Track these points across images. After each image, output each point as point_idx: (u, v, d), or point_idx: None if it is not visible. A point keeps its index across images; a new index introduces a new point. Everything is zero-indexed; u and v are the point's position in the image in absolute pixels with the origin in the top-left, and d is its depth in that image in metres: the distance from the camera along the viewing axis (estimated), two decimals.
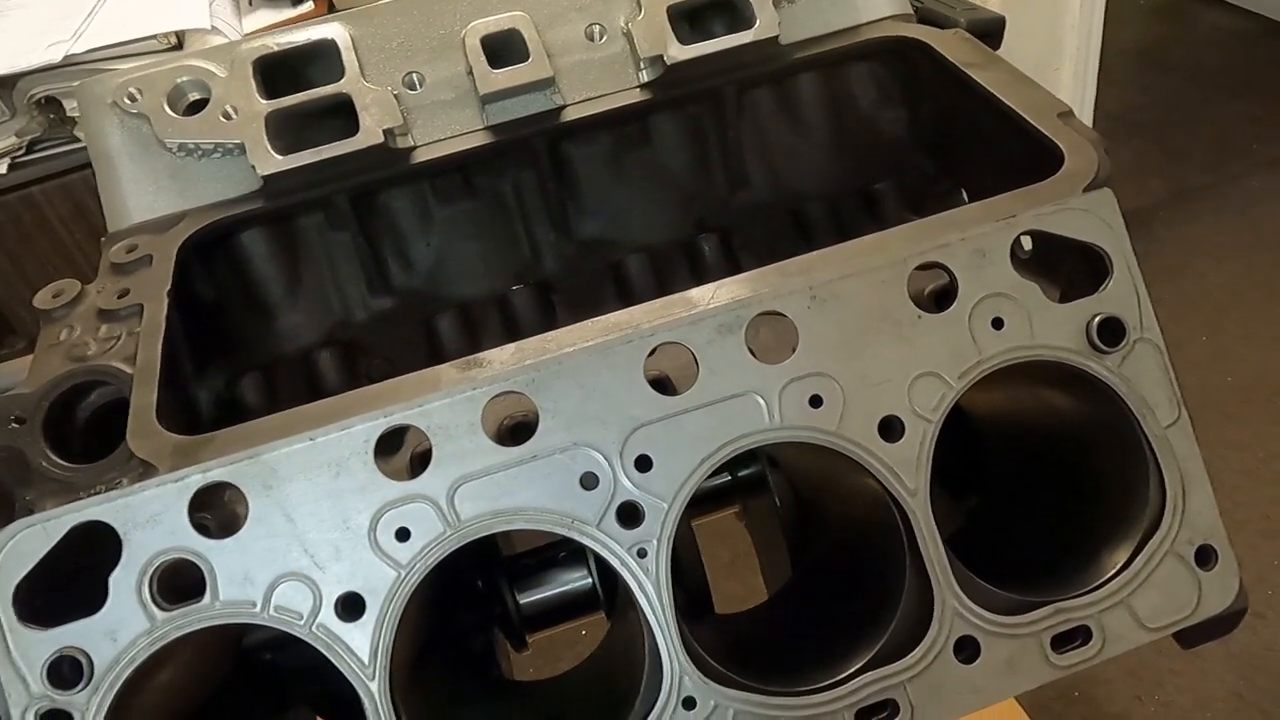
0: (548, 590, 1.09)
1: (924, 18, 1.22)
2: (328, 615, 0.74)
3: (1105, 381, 0.82)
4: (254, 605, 0.74)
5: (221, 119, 1.03)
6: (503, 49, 1.07)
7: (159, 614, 0.73)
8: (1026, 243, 0.88)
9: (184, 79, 1.04)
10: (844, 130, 1.21)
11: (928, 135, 1.18)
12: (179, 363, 1.03)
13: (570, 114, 1.08)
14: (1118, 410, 0.82)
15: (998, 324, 0.81)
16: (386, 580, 0.75)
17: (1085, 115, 3.70)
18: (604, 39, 1.10)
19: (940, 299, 0.83)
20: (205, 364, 1.10)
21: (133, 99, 1.04)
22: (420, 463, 0.77)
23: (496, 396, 0.77)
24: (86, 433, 0.91)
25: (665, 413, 0.78)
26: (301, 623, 0.74)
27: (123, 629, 0.73)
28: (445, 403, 0.76)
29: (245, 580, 0.74)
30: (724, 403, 0.79)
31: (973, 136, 1.07)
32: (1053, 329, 0.82)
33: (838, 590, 0.95)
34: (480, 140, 1.06)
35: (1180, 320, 3.76)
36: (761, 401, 0.79)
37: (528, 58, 1.06)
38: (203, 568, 0.74)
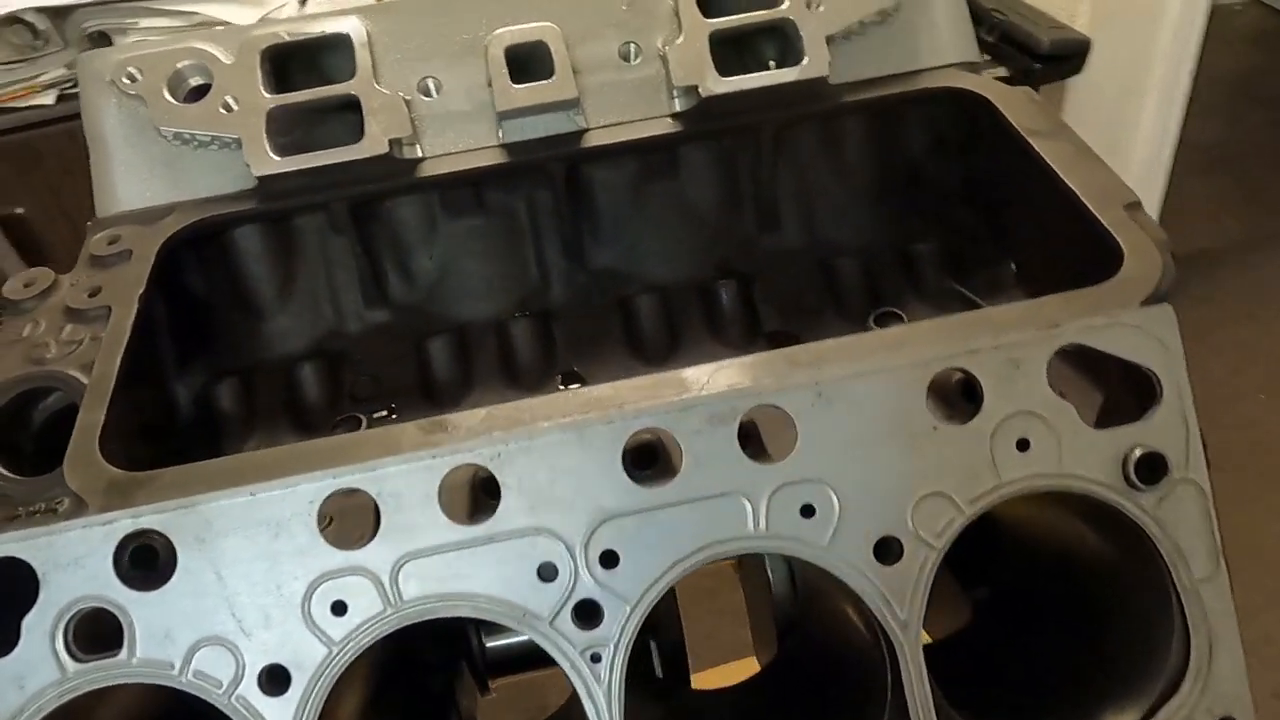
0: (515, 636, 1.03)
1: (1004, 34, 1.12)
2: (249, 687, 0.69)
3: (1138, 522, 0.73)
4: (172, 667, 0.68)
5: (221, 110, 0.96)
6: (527, 62, 0.99)
7: (71, 665, 0.68)
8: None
9: (186, 63, 0.98)
10: (890, 179, 1.12)
11: (981, 195, 1.08)
12: (150, 365, 0.98)
13: (592, 139, 0.99)
14: (1148, 554, 0.74)
15: (1023, 445, 0.73)
16: (316, 657, 0.69)
17: (1168, 147, 3.51)
18: (638, 60, 1.02)
19: (962, 409, 0.75)
20: (188, 360, 1.05)
21: (132, 79, 0.98)
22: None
23: (458, 468, 0.70)
24: (40, 437, 0.86)
25: (640, 505, 0.71)
26: (220, 691, 0.68)
27: (31, 676, 0.68)
28: (401, 469, 0.70)
29: (166, 638, 0.69)
30: (706, 501, 0.71)
31: (1028, 211, 0.98)
32: (1085, 457, 0.73)
33: (813, 703, 0.88)
34: (492, 159, 0.99)
35: (1239, 372, 3.58)
36: (748, 505, 0.71)
37: (552, 74, 0.97)
38: (122, 620, 0.68)
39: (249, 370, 1.05)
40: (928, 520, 0.72)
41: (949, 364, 0.72)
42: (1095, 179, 0.86)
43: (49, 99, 2.69)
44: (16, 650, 0.68)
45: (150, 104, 0.97)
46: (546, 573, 0.70)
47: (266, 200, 0.97)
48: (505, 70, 0.98)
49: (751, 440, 0.77)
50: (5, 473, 0.80)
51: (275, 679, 0.69)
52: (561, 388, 1.04)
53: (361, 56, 0.98)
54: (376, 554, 0.69)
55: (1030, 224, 0.98)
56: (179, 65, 0.97)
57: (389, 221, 1.07)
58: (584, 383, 1.04)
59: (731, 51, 1.03)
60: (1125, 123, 3.37)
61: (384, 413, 1.03)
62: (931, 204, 1.11)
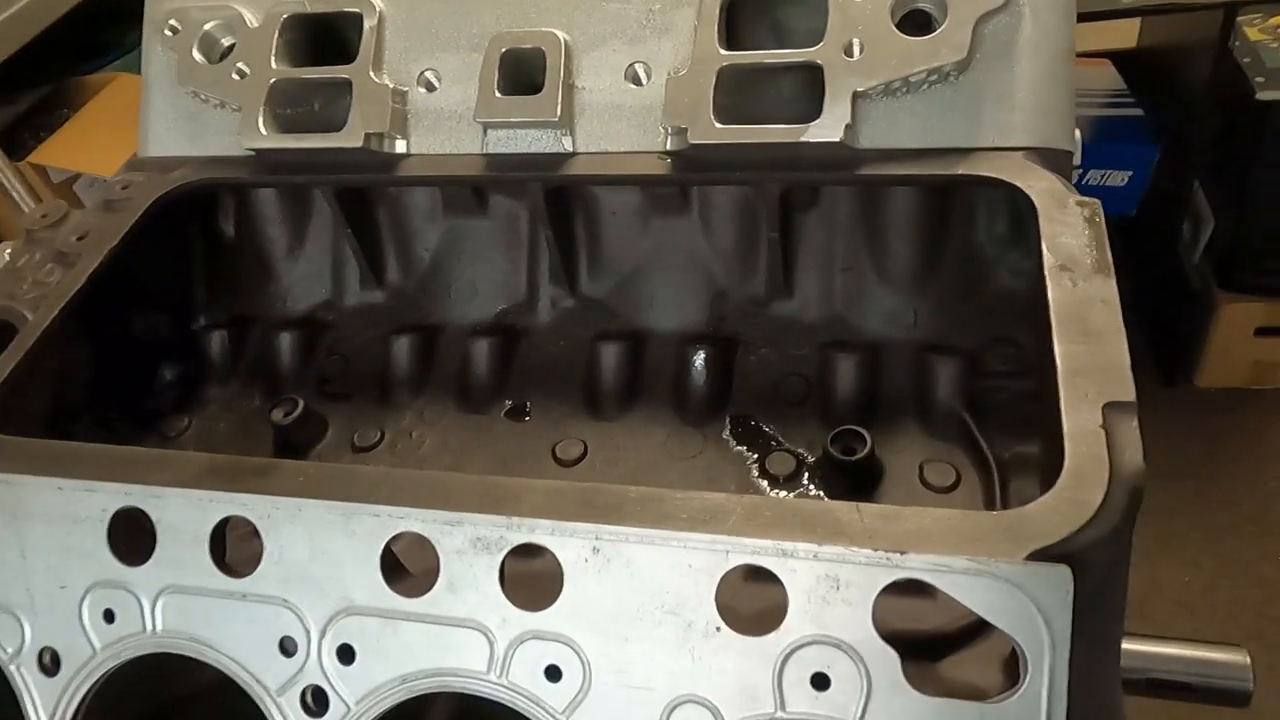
0: None
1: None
2: (29, 660, 0.73)
3: None
4: None
5: (234, 76, 0.97)
6: (523, 69, 0.91)
7: None
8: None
9: (215, 23, 0.99)
10: (936, 266, 0.92)
11: (1024, 309, 0.87)
12: (125, 307, 1.02)
13: (576, 166, 0.90)
14: None
15: (820, 682, 0.59)
16: (82, 654, 0.72)
17: None
18: (646, 83, 0.90)
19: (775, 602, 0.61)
20: (216, 296, 1.12)
21: (174, 31, 1.01)
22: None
23: (230, 518, 0.69)
24: None
25: (386, 608, 0.66)
26: (6, 657, 0.74)
27: None
28: (180, 502, 0.69)
29: None
30: (450, 627, 0.65)
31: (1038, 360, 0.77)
32: (896, 719, 0.58)
33: None
34: (473, 168, 0.93)
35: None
36: (488, 645, 0.64)
37: (541, 89, 0.89)
38: None
39: (248, 321, 1.09)
40: None
41: (753, 560, 0.59)
42: (1096, 356, 0.65)
43: None
44: None
45: (179, 58, 1.00)
46: (288, 646, 0.68)
47: (264, 170, 0.99)
48: (496, 76, 0.90)
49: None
50: None
51: (52, 660, 0.73)
52: (504, 417, 0.98)
53: (367, 40, 0.95)
54: (146, 577, 0.70)
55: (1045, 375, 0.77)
56: (209, 25, 0.99)
57: (393, 206, 1.05)
58: (529, 417, 0.98)
59: (749, 88, 0.89)
60: None
61: (338, 399, 1.03)
62: (981, 308, 0.91)
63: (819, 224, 0.94)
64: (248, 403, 1.05)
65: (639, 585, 0.61)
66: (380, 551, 0.66)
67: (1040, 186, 0.77)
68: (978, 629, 0.73)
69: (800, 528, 0.60)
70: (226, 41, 1.01)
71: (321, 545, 0.67)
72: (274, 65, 0.96)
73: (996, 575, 0.56)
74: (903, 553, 0.57)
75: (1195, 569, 2.51)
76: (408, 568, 0.69)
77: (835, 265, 0.95)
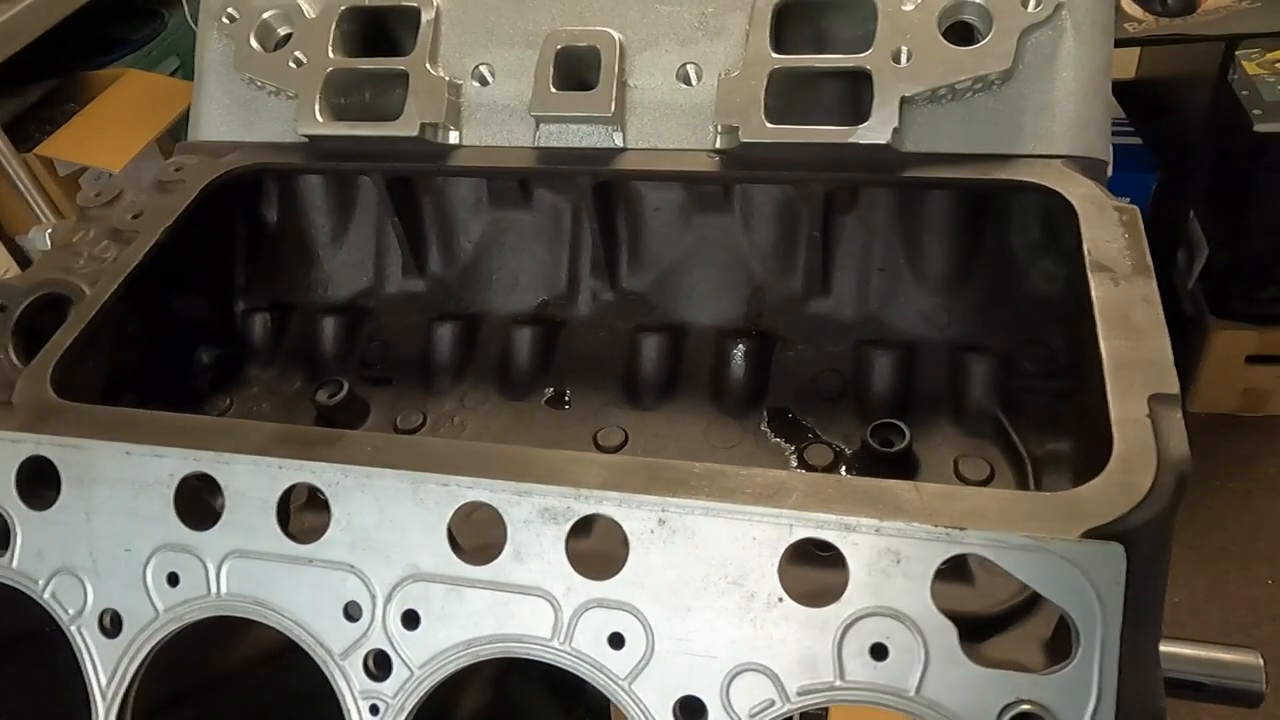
0: None
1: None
2: (90, 622, 0.74)
3: None
4: (37, 582, 0.76)
5: (291, 64, 1.00)
6: (577, 66, 0.94)
7: None
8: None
9: (273, 12, 1.02)
10: (972, 268, 0.96)
11: (1061, 313, 0.90)
12: (183, 285, 1.05)
13: (626, 161, 0.93)
14: None
15: (879, 652, 0.61)
16: (144, 617, 0.73)
17: None
18: (697, 83, 0.93)
19: (827, 584, 0.64)
20: (254, 281, 1.13)
21: (231, 19, 1.03)
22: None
23: (297, 485, 0.70)
24: None
25: (452, 575, 0.68)
26: (67, 618, 0.75)
27: None
28: (248, 467, 0.71)
29: (38, 556, 0.76)
30: (516, 595, 0.67)
31: (1085, 355, 0.80)
32: (954, 692, 0.60)
33: None
34: (524, 161, 0.95)
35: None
36: (553, 612, 0.66)
37: (595, 85, 0.92)
38: (11, 528, 0.76)
39: (289, 306, 1.11)
40: (743, 696, 0.63)
41: (816, 533, 0.62)
42: (1141, 351, 0.68)
43: None
44: None
45: (236, 45, 1.02)
46: (352, 611, 0.70)
47: (316, 157, 1.01)
48: (550, 71, 0.93)
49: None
50: (14, 361, 0.91)
51: (113, 622, 0.74)
52: (545, 405, 1.00)
53: (424, 33, 0.97)
54: (212, 541, 0.72)
55: (1088, 373, 0.80)
56: (266, 15, 1.02)
57: (438, 197, 1.08)
58: (569, 406, 1.00)
59: (809, 90, 0.92)
60: None
61: (379, 383, 1.05)
62: (1014, 310, 0.94)
63: (858, 225, 0.97)
64: (288, 385, 1.07)
65: (703, 556, 0.64)
66: (447, 520, 0.68)
67: (1080, 192, 0.81)
68: (1014, 615, 0.76)
69: (862, 504, 0.62)
70: (283, 30, 1.03)
71: (389, 513, 0.69)
72: (331, 55, 0.99)
73: (1053, 552, 0.59)
74: (962, 529, 0.60)
75: (1187, 590, 2.56)
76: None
77: (872, 265, 0.98)
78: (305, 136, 0.99)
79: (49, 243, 1.10)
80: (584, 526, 0.66)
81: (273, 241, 1.14)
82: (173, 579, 0.73)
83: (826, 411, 0.95)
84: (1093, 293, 0.73)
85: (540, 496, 0.66)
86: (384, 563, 0.69)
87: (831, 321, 0.99)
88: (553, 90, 0.92)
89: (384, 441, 0.71)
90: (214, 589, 0.72)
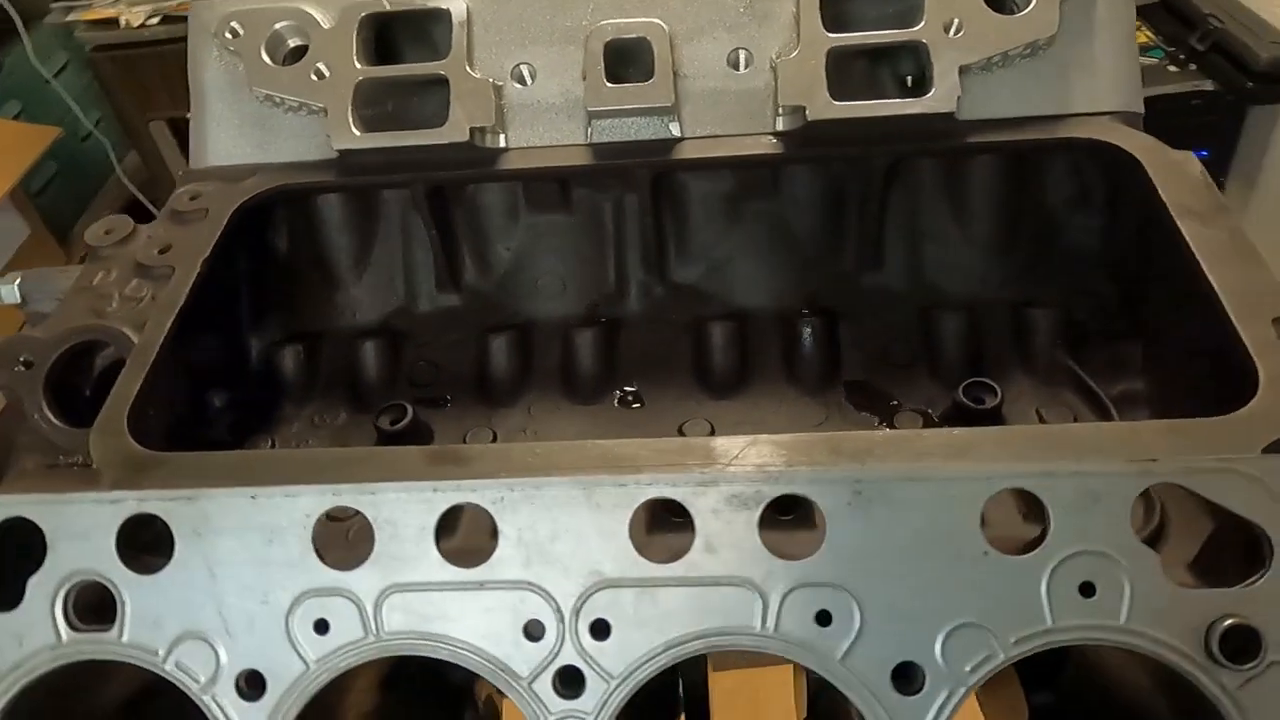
0: None
1: (1217, 43, 0.96)
2: (225, 687, 0.68)
3: (1214, 702, 0.62)
4: (156, 653, 0.68)
5: (313, 77, 0.94)
6: (627, 59, 0.93)
7: (67, 632, 0.69)
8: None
9: (285, 23, 0.96)
10: (1016, 231, 1.00)
11: (1118, 263, 0.95)
12: (215, 320, 0.98)
13: (685, 150, 0.92)
14: None
15: (1086, 590, 0.63)
16: (292, 672, 0.67)
17: None
18: (748, 69, 0.93)
19: (1018, 531, 0.65)
20: (264, 314, 1.06)
21: (234, 34, 0.97)
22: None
23: (458, 506, 0.67)
24: (97, 387, 0.88)
25: (641, 577, 0.65)
26: (198, 686, 0.68)
27: (29, 635, 0.69)
28: (400, 496, 0.67)
29: (154, 624, 0.68)
30: (713, 588, 0.65)
31: (1166, 296, 0.85)
32: (1161, 617, 0.62)
33: None
34: (576, 159, 0.93)
35: None
36: (758, 600, 0.65)
37: (650, 77, 0.91)
38: (117, 598, 0.69)
39: (317, 336, 1.05)
40: (959, 653, 0.63)
41: (1016, 483, 0.63)
42: (1248, 280, 0.73)
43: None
44: (20, 608, 0.69)
45: (247, 62, 0.96)
46: (534, 631, 0.66)
47: (346, 173, 0.96)
48: (601, 66, 0.91)
49: (799, 518, 0.70)
50: (54, 420, 0.82)
51: (252, 684, 0.68)
52: (617, 405, 0.99)
53: (458, 35, 0.94)
54: (365, 579, 0.67)
55: (1167, 312, 0.85)
56: (278, 26, 0.96)
57: (471, 207, 1.04)
58: (642, 404, 0.99)
59: (852, 68, 0.94)
60: None
61: (435, 404, 1.01)
62: (1060, 265, 0.99)
63: (906, 196, 1.00)
64: (333, 417, 1.01)
65: (903, 522, 0.64)
66: (628, 522, 0.65)
67: (1138, 144, 0.86)
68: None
69: (1052, 450, 0.64)
70: (294, 42, 0.97)
71: (564, 523, 0.66)
72: (357, 65, 0.94)
73: (1239, 472, 0.62)
74: (1154, 460, 0.62)
75: None
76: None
77: (922, 235, 1.01)
78: (337, 151, 0.93)
79: (18, 295, 1.01)
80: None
81: (286, 269, 1.07)
82: (321, 626, 0.67)
83: (902, 379, 0.97)
84: (1185, 234, 0.77)
85: (727, 485, 0.65)
86: (564, 574, 0.66)
87: (888, 292, 1.01)
88: (607, 85, 0.91)
89: (546, 449, 0.68)
90: (373, 630, 0.67)
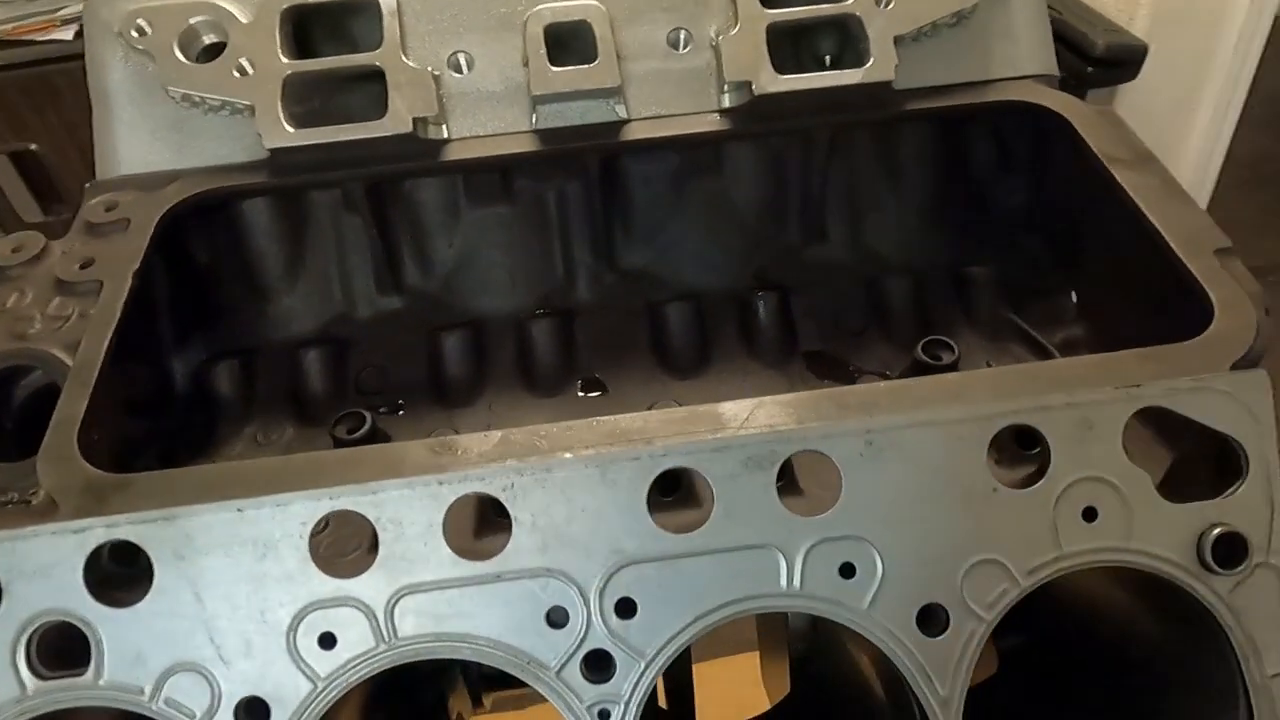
0: None
1: (1057, 33, 1.03)
2: (224, 719, 0.63)
3: (1209, 608, 0.66)
4: (141, 692, 0.62)
5: (235, 73, 0.89)
6: (568, 42, 0.92)
7: (33, 682, 0.62)
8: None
9: (200, 18, 0.90)
10: (949, 195, 1.04)
11: (1046, 218, 1.00)
12: (144, 341, 0.91)
13: (633, 131, 0.92)
14: (1216, 644, 0.67)
15: (1089, 515, 0.66)
16: (299, 692, 0.63)
17: (1216, 161, 3.40)
18: (688, 49, 0.94)
19: (1014, 466, 0.68)
20: (187, 335, 0.99)
21: (141, 32, 0.90)
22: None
23: (477, 498, 0.64)
24: (20, 416, 0.80)
25: (663, 552, 0.64)
26: None
27: None
28: (403, 493, 0.63)
29: (136, 660, 0.63)
30: (736, 553, 0.65)
31: (1103, 245, 0.90)
32: (1158, 532, 0.66)
33: None
34: (524, 145, 0.91)
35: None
36: (782, 560, 0.64)
37: (594, 59, 0.90)
38: (90, 637, 0.62)
39: (250, 351, 0.99)
40: (978, 590, 0.65)
41: (1016, 419, 0.65)
42: (1183, 219, 0.78)
43: (68, 34, 2.61)
44: None
45: (159, 61, 0.89)
46: (556, 618, 0.64)
47: (278, 173, 0.90)
48: (544, 50, 0.90)
49: (788, 484, 0.71)
50: None
51: (253, 713, 0.63)
52: (580, 394, 0.97)
53: (390, 25, 0.91)
54: (372, 584, 0.63)
55: (1103, 259, 0.90)
56: (192, 21, 0.90)
57: (409, 204, 1.00)
58: (605, 391, 0.97)
59: (786, 44, 0.96)
60: (1174, 134, 3.26)
61: (389, 410, 0.96)
62: (992, 225, 1.03)
63: (847, 166, 1.02)
64: (279, 434, 0.95)
65: (915, 467, 0.65)
66: (645, 496, 0.64)
67: (1064, 103, 0.91)
68: None
69: (1043, 385, 0.67)
70: (209, 39, 0.92)
71: (580, 503, 0.64)
72: (283, 59, 0.89)
73: (1214, 389, 0.66)
74: (1138, 385, 0.66)
75: None
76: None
77: (861, 204, 1.03)
78: (269, 151, 0.88)
79: None
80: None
81: (211, 282, 1.00)
82: (327, 640, 0.63)
83: (857, 345, 0.99)
84: (1120, 181, 0.82)
85: (741, 448, 0.64)
86: (584, 556, 0.64)
87: (835, 263, 1.03)
88: (552, 68, 0.89)
89: (554, 430, 0.66)
90: (386, 636, 0.63)
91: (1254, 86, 3.36)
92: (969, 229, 1.04)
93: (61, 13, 2.63)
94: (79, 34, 2.61)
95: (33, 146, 2.76)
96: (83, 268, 0.82)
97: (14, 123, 2.72)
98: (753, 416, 0.66)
